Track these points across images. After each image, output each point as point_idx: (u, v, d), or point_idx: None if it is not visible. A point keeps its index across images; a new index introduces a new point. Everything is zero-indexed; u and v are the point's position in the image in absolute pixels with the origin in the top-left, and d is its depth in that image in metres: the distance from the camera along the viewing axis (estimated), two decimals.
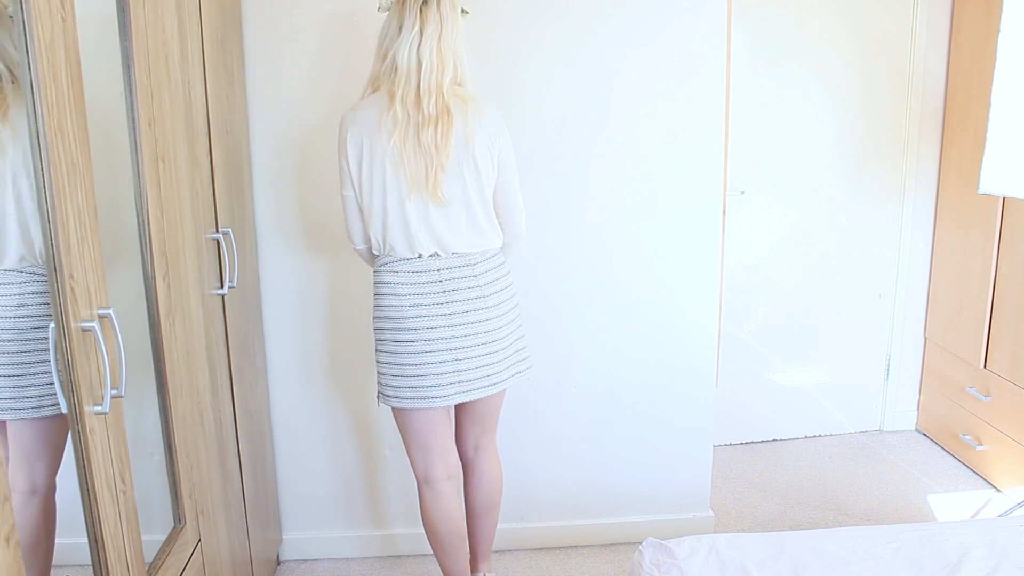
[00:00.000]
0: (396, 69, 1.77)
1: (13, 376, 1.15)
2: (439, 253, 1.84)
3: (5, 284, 1.15)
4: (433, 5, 1.77)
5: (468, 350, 1.85)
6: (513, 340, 1.96)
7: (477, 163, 1.81)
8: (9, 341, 1.15)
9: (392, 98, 1.77)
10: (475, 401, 1.98)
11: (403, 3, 1.79)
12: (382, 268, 1.87)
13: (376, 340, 1.92)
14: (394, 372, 1.88)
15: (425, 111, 1.75)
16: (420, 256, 1.84)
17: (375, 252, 1.90)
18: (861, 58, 3.11)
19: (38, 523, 1.18)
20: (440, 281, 1.83)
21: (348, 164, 1.84)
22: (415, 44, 1.75)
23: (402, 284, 1.83)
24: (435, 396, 1.86)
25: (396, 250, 1.84)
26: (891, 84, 3.15)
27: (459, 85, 1.83)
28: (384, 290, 1.86)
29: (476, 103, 1.82)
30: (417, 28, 1.75)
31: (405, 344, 1.84)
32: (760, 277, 3.22)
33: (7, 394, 1.16)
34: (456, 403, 1.91)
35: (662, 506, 2.60)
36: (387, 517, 2.54)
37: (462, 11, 1.83)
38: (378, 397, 1.96)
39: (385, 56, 1.81)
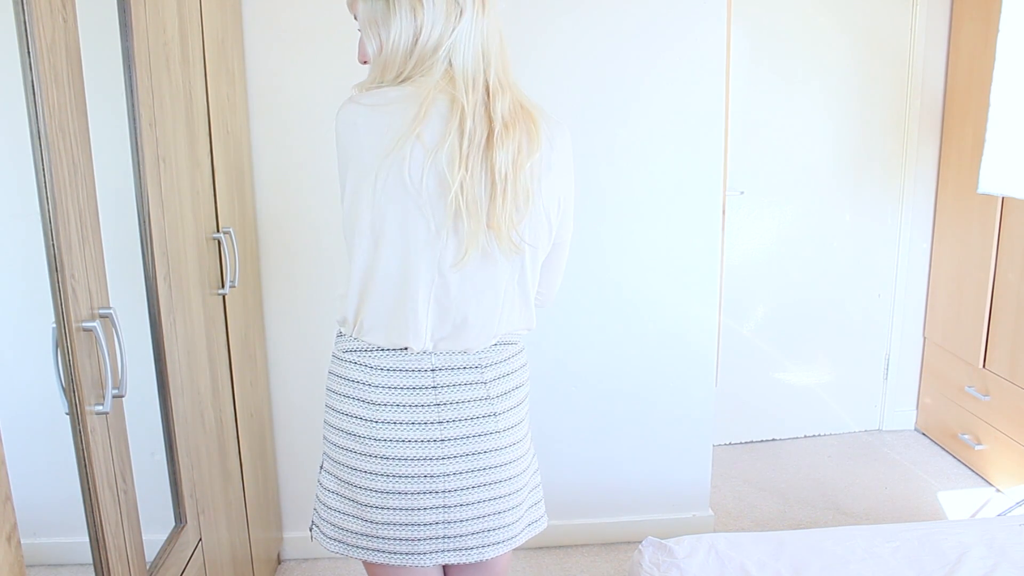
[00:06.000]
0: None
1: None
2: None
3: None
4: None
5: (465, 493, 1.27)
6: (531, 476, 1.46)
7: None
8: None
9: None
10: (473, 567, 1.41)
11: None
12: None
13: (325, 454, 1.33)
14: (345, 509, 1.28)
15: None
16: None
17: None
18: (860, 58, 3.12)
19: None
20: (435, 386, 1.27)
21: None
22: None
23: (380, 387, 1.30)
24: (406, 552, 1.26)
25: None
26: (890, 84, 3.15)
27: None
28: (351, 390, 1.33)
29: None
30: None
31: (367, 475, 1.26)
32: (759, 277, 3.22)
33: None
34: (441, 563, 1.30)
35: (662, 505, 2.60)
36: None
37: None
38: (311, 529, 1.36)
39: None
